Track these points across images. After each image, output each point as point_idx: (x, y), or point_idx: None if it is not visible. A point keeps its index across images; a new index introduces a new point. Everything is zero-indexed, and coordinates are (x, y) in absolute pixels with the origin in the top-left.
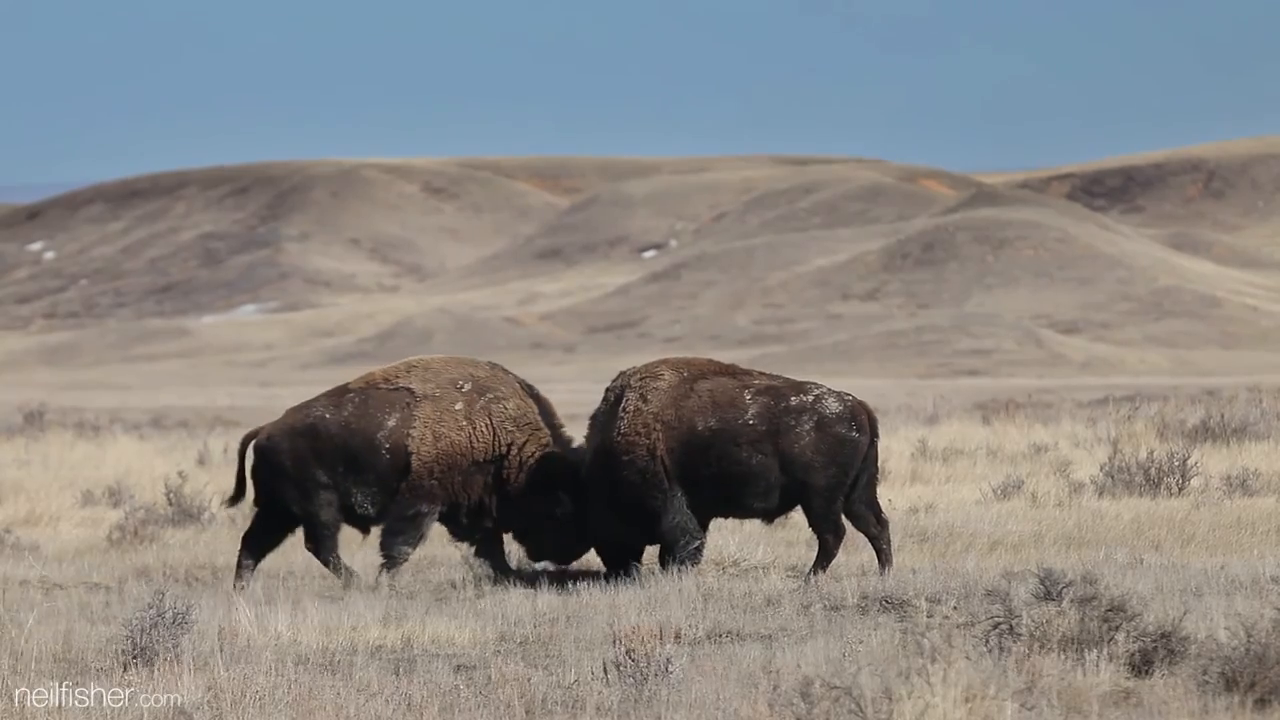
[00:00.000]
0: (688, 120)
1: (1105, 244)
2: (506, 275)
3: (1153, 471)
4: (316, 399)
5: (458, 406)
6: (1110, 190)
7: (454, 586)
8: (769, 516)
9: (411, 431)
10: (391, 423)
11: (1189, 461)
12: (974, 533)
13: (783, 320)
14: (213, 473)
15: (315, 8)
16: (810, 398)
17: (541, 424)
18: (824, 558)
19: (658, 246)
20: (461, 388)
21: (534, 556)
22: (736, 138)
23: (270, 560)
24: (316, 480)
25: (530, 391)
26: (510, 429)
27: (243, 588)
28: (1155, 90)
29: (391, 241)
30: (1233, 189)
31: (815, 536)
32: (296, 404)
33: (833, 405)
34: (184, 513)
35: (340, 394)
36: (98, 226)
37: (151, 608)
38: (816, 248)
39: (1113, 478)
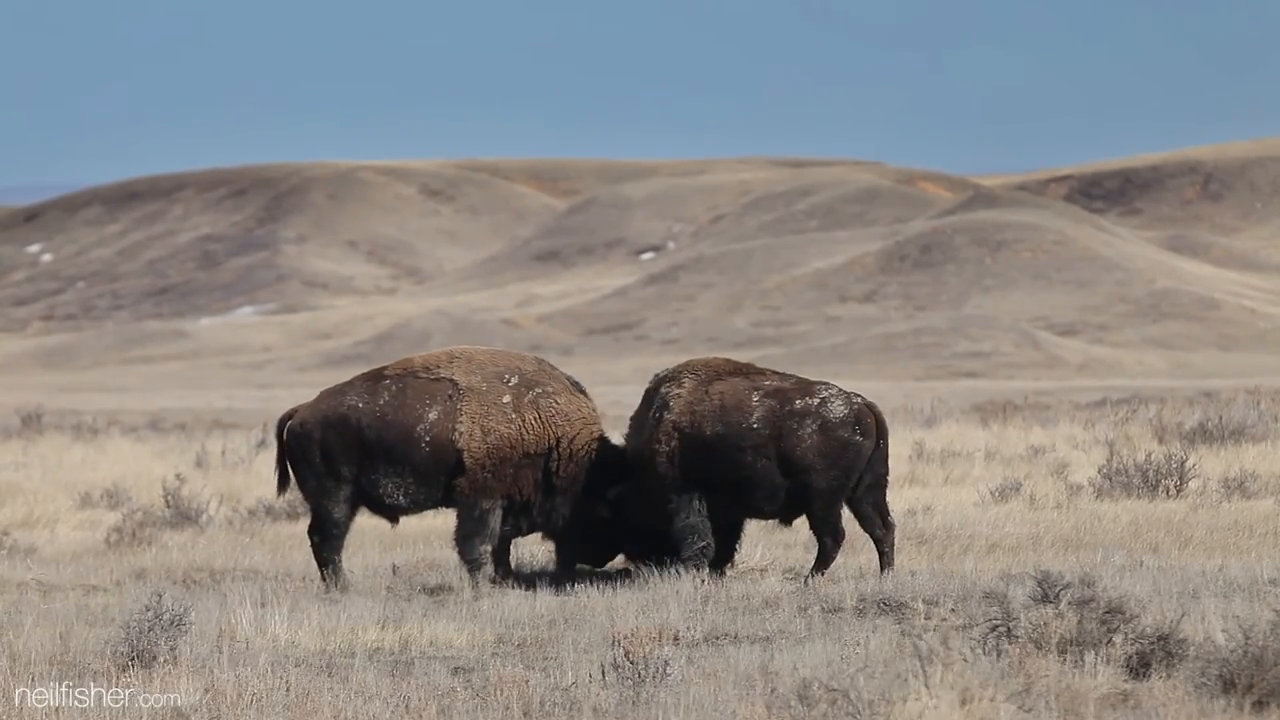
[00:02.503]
0: (685, 122)
1: (1103, 246)
2: (504, 277)
3: (1150, 473)
4: (351, 384)
5: (505, 400)
6: (1108, 192)
7: (451, 589)
8: (784, 518)
9: (458, 426)
10: (433, 415)
11: (1187, 463)
12: (972, 535)
13: (780, 322)
14: (210, 475)
15: (314, 9)
16: (815, 400)
17: (589, 420)
18: (822, 561)
19: (655, 248)
20: (508, 381)
21: (565, 560)
22: (734, 140)
23: (267, 561)
24: (340, 475)
25: (577, 388)
26: (560, 424)
27: (340, 575)
28: (1153, 92)
29: (389, 244)
30: (1230, 191)
31: (815, 539)
32: (330, 387)
33: (837, 409)
34: (182, 515)
35: (375, 380)
36: (95, 229)
37: (149, 610)
38: (814, 250)
39: (1110, 480)
